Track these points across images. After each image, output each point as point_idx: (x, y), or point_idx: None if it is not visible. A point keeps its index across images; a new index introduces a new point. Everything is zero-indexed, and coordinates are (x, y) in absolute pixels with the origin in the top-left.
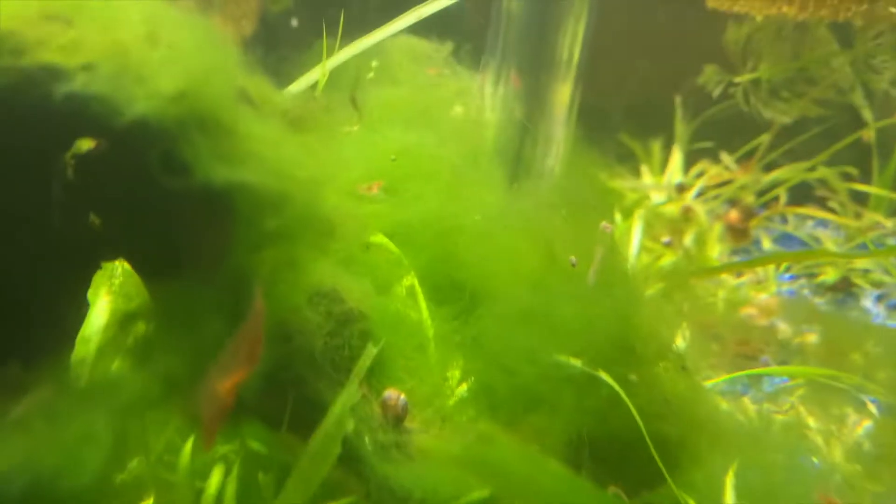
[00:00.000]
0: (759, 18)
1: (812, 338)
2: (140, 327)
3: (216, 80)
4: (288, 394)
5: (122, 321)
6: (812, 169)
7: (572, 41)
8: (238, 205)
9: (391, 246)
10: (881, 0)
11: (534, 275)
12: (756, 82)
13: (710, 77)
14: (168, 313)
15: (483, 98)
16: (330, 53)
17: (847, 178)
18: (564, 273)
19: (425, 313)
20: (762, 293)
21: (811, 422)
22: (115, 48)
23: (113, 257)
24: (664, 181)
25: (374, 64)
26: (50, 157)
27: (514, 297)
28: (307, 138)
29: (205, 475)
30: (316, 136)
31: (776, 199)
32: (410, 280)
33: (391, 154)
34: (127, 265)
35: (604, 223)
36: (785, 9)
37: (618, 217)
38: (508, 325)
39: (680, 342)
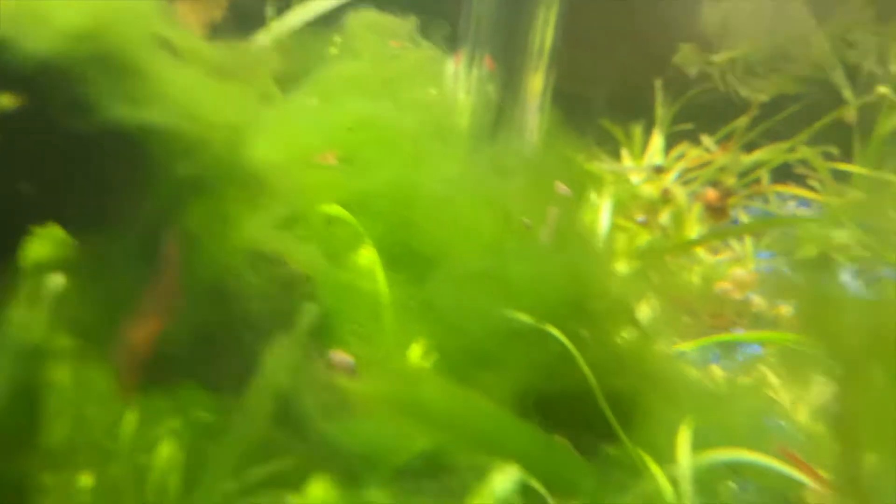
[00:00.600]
0: None
1: (786, 310)
2: (55, 279)
3: (124, 21)
4: (228, 357)
5: (32, 271)
6: (792, 149)
7: (544, 27)
8: (149, 148)
9: (346, 214)
10: None
11: (490, 238)
12: (733, 60)
13: (686, 56)
14: (83, 264)
15: (455, 78)
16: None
17: (828, 157)
18: (520, 235)
19: (381, 277)
20: (739, 269)
21: (777, 385)
22: None
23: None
24: (644, 164)
25: (336, 39)
26: None
27: (468, 260)
28: (232, 87)
29: (143, 438)
30: (245, 88)
31: (758, 180)
32: (366, 247)
33: (349, 125)
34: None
35: (558, 183)
36: None
37: (594, 196)
38: (461, 287)
39: (647, 311)
